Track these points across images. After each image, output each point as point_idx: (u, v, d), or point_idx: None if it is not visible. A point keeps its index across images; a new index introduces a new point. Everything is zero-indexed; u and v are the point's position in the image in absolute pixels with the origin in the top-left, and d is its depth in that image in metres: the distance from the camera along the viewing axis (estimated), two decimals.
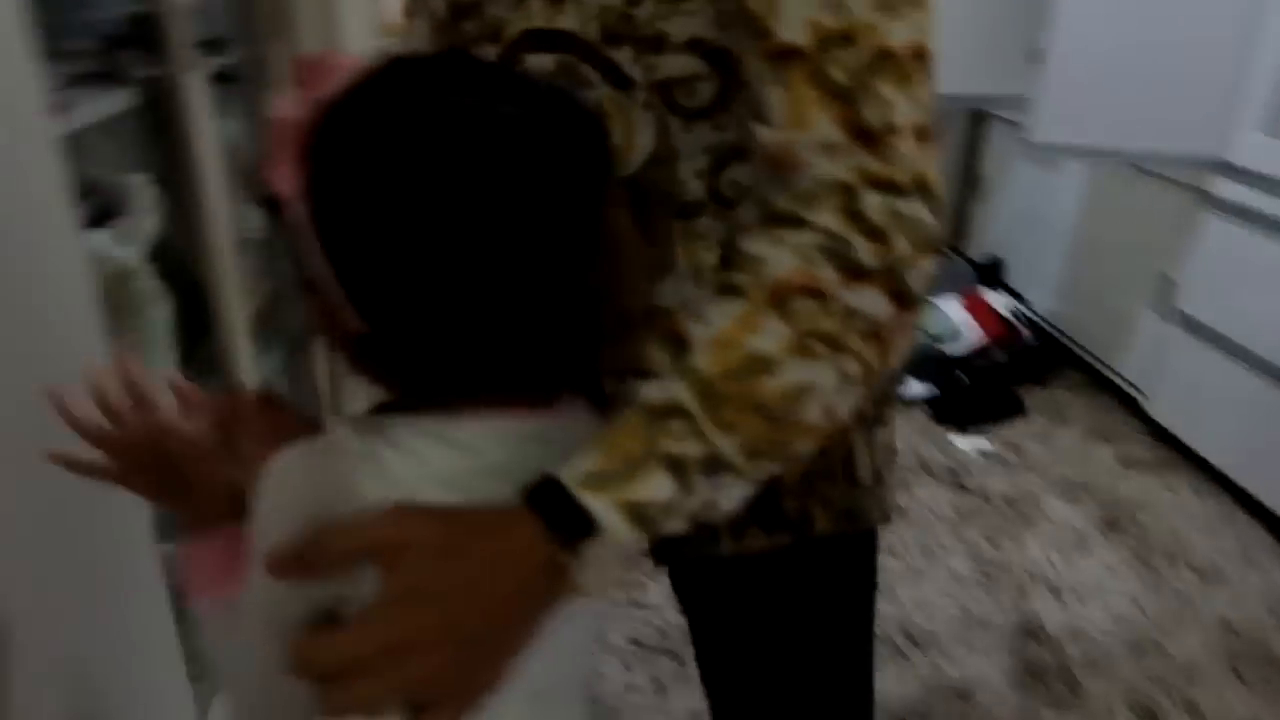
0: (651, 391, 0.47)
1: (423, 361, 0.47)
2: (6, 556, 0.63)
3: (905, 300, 0.48)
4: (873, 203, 0.47)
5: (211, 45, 1.14)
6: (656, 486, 0.45)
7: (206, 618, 0.55)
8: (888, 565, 1.87)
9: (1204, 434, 2.24)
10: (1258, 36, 2.05)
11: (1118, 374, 2.56)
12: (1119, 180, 2.56)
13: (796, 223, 0.47)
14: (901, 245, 0.47)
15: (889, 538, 1.95)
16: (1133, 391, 2.49)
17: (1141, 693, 1.57)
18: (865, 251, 0.47)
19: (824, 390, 0.47)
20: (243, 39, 1.31)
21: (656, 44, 0.53)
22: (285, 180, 0.45)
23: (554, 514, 0.44)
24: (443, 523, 0.44)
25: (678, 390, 0.46)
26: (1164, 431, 2.36)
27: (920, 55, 0.48)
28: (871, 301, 0.47)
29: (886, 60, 0.47)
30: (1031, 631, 1.70)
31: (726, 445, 0.46)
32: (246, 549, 0.49)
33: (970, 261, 3.27)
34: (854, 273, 0.47)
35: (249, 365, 1.39)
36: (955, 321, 2.70)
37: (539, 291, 0.46)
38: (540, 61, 0.56)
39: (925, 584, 1.81)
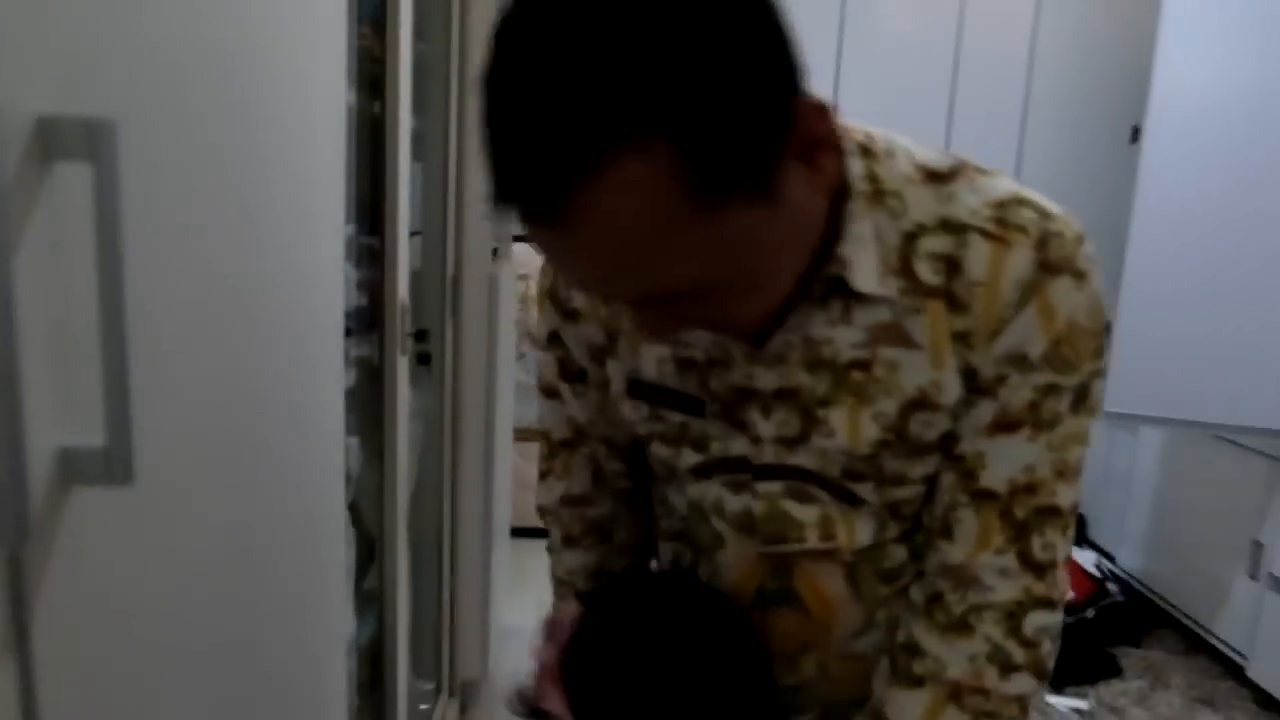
0: None
1: None
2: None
3: (1045, 677, 0.64)
4: (1032, 620, 0.63)
5: (416, 335, 1.44)
6: None
7: None
8: None
9: None
10: None
11: (1216, 637, 2.54)
12: (1198, 445, 2.67)
13: (967, 629, 0.63)
14: (1046, 648, 0.64)
15: None
16: (1233, 655, 2.46)
17: None
18: (1020, 657, 0.63)
19: None
20: (437, 328, 1.63)
21: (898, 481, 0.64)
22: (554, 702, 0.70)
23: None
24: None
25: None
26: (1270, 697, 2.31)
27: (1075, 508, 0.63)
28: (1023, 684, 0.63)
29: (1055, 514, 0.62)
30: None
31: None
32: None
33: None
34: (1011, 669, 0.63)
35: (403, 595, 1.57)
36: None
37: None
38: (768, 487, 0.66)
39: None
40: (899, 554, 0.68)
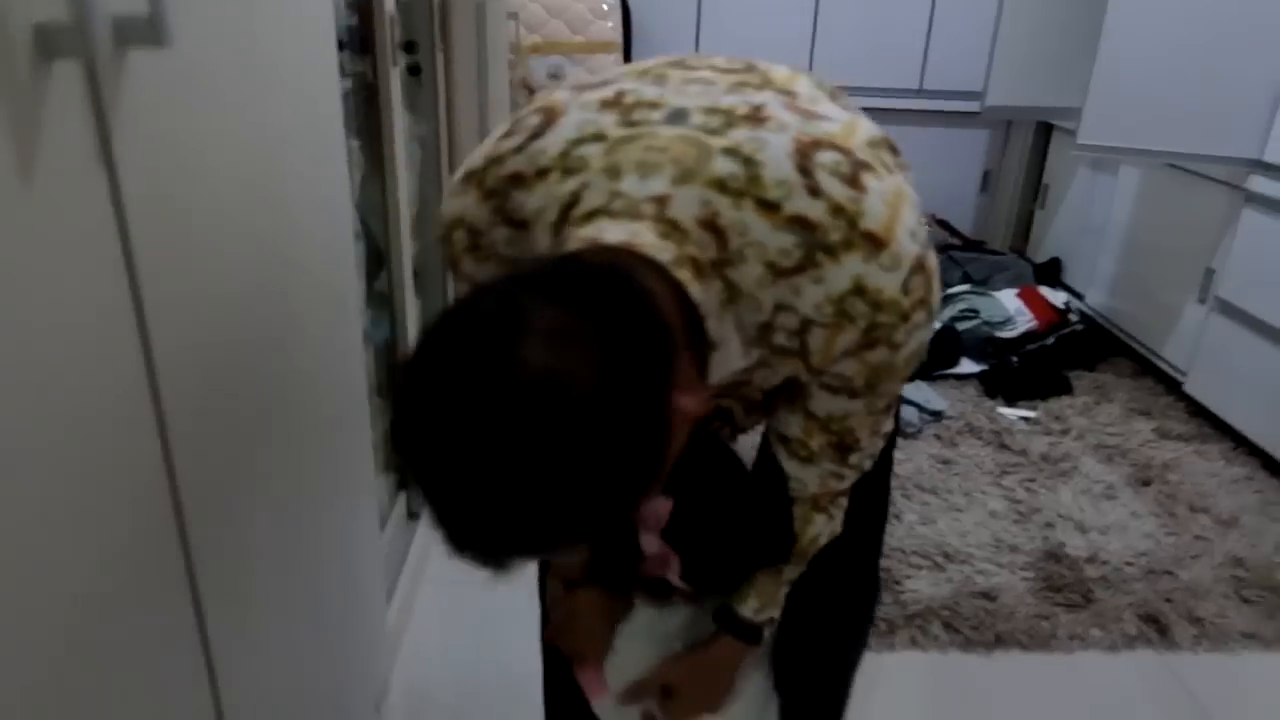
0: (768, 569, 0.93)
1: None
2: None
3: (864, 472, 0.88)
4: (851, 460, 0.85)
5: (406, 46, 1.53)
6: (778, 604, 0.93)
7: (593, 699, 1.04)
8: (930, 501, 2.14)
9: (1237, 407, 2.43)
10: None
11: (1162, 358, 2.76)
12: (1167, 182, 2.78)
13: (811, 462, 0.85)
14: (866, 465, 0.87)
15: (934, 480, 2.22)
16: (1174, 373, 2.69)
17: (1150, 605, 1.80)
18: (848, 472, 0.86)
19: (834, 526, 0.91)
20: (426, 42, 1.71)
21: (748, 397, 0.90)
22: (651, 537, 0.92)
23: (747, 635, 0.94)
24: (692, 666, 0.96)
25: (788, 572, 0.92)
26: (1201, 409, 2.56)
27: (887, 412, 0.83)
28: (851, 479, 0.88)
29: (858, 435, 0.83)
30: (1054, 555, 1.94)
31: (799, 571, 0.92)
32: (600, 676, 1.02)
33: (1030, 262, 3.50)
34: (843, 478, 0.87)
35: (410, 299, 1.77)
36: (1009, 310, 2.94)
37: None
38: None
39: (964, 517, 2.08)
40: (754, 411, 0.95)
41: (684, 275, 0.66)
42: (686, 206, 0.67)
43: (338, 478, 1.18)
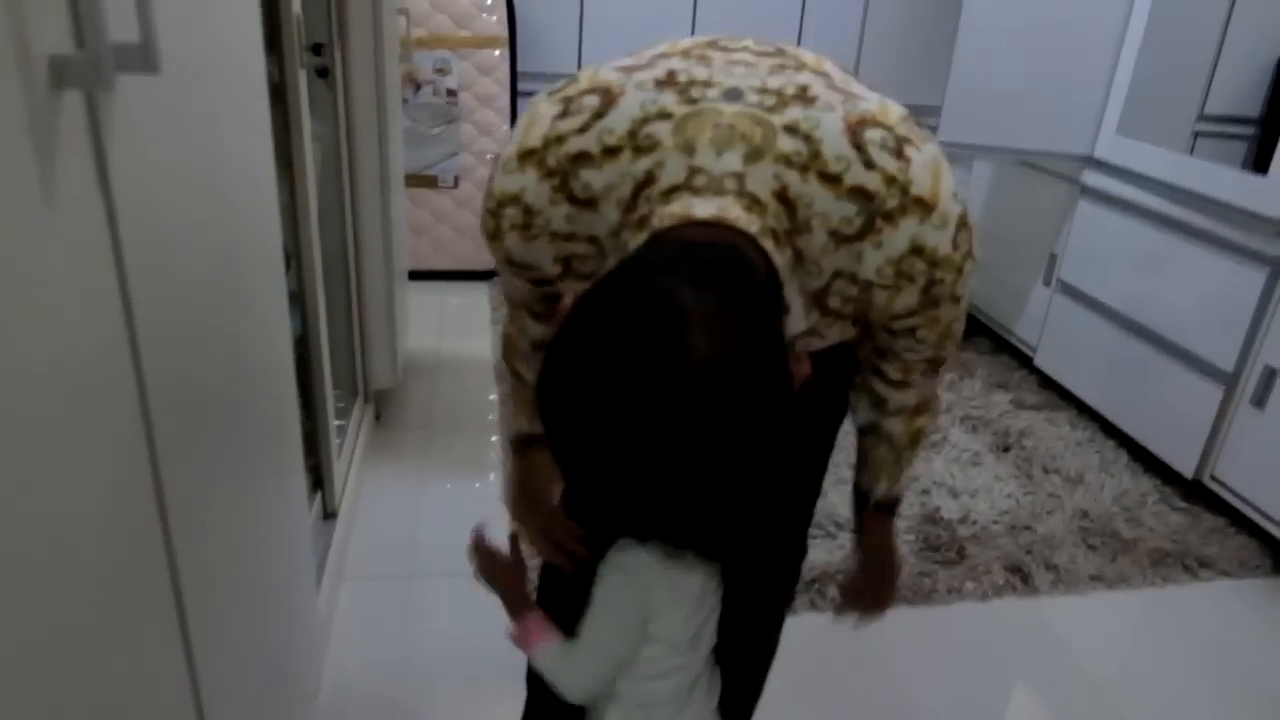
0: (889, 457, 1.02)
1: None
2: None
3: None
4: (942, 370, 0.92)
5: (312, 49, 1.54)
6: (903, 485, 1.04)
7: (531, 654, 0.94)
8: None
9: (1079, 378, 2.73)
10: (1116, 58, 2.56)
11: (1015, 336, 3.05)
12: (1014, 176, 3.06)
13: (909, 385, 0.93)
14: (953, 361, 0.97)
15: None
16: (1025, 349, 2.97)
17: (1014, 557, 2.02)
18: (942, 377, 0.94)
19: (935, 418, 1.01)
20: (328, 43, 1.71)
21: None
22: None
23: (892, 508, 1.06)
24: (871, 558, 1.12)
25: (907, 456, 1.02)
26: (1050, 380, 2.85)
27: (961, 331, 0.89)
28: (938, 392, 0.98)
29: (945, 355, 0.90)
30: (931, 518, 2.14)
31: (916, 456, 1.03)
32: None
33: None
34: (937, 382, 0.95)
35: (320, 297, 1.77)
36: None
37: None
38: None
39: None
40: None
41: (768, 245, 0.71)
42: (762, 180, 0.71)
43: (276, 470, 1.20)
